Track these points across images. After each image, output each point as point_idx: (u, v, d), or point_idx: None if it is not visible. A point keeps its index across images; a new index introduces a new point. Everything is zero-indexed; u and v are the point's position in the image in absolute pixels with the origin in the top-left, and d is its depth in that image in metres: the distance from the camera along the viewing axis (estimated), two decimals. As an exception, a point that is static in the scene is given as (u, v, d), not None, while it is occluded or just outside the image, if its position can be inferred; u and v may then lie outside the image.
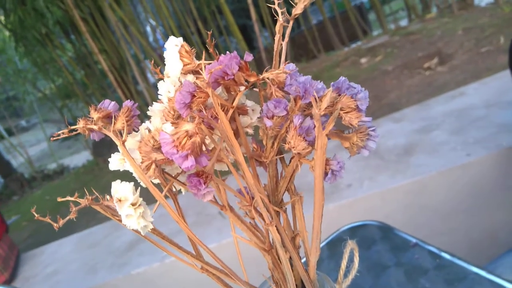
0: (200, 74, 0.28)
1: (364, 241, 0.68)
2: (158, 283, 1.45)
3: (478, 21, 3.35)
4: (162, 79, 0.29)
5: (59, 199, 0.26)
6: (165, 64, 0.29)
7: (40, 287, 1.64)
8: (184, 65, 0.28)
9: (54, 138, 0.26)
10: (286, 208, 0.31)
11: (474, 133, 1.35)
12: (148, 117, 0.29)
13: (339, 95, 0.25)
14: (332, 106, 0.25)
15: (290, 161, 0.29)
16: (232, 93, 0.28)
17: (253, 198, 0.29)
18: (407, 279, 0.57)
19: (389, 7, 5.86)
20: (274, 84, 0.27)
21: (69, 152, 6.52)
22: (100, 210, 0.27)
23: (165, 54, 0.28)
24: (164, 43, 0.29)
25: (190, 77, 0.28)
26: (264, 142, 0.29)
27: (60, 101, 5.29)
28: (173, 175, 0.29)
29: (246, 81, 0.27)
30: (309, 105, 0.27)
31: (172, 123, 0.27)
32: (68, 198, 0.26)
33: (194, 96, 0.25)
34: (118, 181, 0.27)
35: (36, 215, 0.26)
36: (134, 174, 0.27)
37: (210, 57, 0.29)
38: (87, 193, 0.26)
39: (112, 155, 0.28)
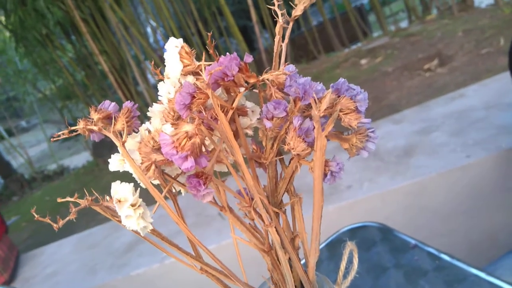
0: (200, 75, 0.28)
1: (363, 242, 0.68)
2: (158, 284, 1.45)
3: (478, 23, 3.36)
4: (162, 80, 0.29)
5: (59, 200, 0.26)
6: (165, 65, 0.29)
7: (40, 288, 1.64)
8: (184, 66, 0.28)
9: (55, 139, 0.26)
10: (285, 209, 0.32)
11: (474, 135, 1.35)
12: (148, 118, 0.29)
13: (339, 96, 0.26)
14: (331, 107, 0.25)
15: (290, 162, 0.29)
16: (232, 94, 0.28)
17: (252, 199, 0.29)
18: (407, 281, 0.58)
19: (389, 9, 5.87)
20: (273, 85, 0.27)
21: (69, 153, 6.52)
22: (100, 211, 0.27)
23: (165, 55, 0.28)
24: (165, 44, 0.29)
25: (190, 78, 0.28)
26: (264, 143, 0.29)
27: (60, 102, 5.30)
28: (173, 176, 0.29)
29: (246, 82, 0.27)
30: (309, 106, 0.27)
31: (172, 124, 0.27)
32: (68, 198, 0.26)
33: (194, 97, 0.25)
34: (118, 182, 0.27)
35: (36, 215, 0.26)
36: (134, 175, 0.27)
37: (210, 58, 0.29)
38: (87, 194, 0.26)
39: (112, 156, 0.29)
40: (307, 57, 4.70)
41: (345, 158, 0.29)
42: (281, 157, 0.30)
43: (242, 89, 0.27)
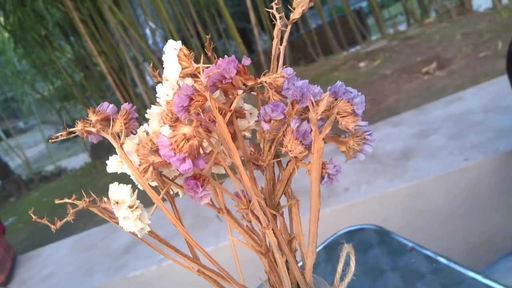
0: (199, 77, 0.28)
1: (361, 245, 0.68)
2: (155, 286, 1.45)
3: (476, 26, 3.37)
4: (160, 82, 0.29)
5: (57, 201, 0.26)
6: (163, 67, 0.29)
7: (37, 290, 1.64)
8: (182, 69, 0.28)
9: (53, 140, 0.26)
10: (282, 212, 0.32)
11: (472, 138, 1.35)
12: (146, 120, 0.29)
13: (336, 99, 0.26)
14: (328, 110, 0.25)
15: (287, 164, 0.29)
16: (230, 96, 0.28)
17: (250, 201, 0.29)
18: (404, 283, 0.58)
19: (388, 12, 5.88)
20: (271, 88, 0.28)
21: (67, 154, 6.50)
22: (97, 213, 0.27)
23: (164, 58, 0.29)
24: (163, 46, 0.29)
25: (189, 81, 0.28)
26: (262, 146, 0.29)
27: (59, 103, 5.29)
28: (171, 178, 0.29)
29: (244, 84, 0.27)
30: (306, 109, 0.27)
31: (170, 126, 0.27)
32: (66, 200, 0.26)
33: (192, 99, 0.25)
34: (116, 183, 0.27)
35: (34, 216, 0.26)
36: (132, 177, 0.27)
37: (209, 60, 0.29)
38: (84, 196, 0.27)
39: (110, 157, 0.29)
40: (305, 59, 4.71)
41: (342, 160, 0.29)
42: (279, 159, 0.30)
43: (240, 92, 0.27)
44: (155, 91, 0.29)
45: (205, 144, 0.27)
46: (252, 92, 0.29)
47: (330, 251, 0.69)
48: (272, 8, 0.29)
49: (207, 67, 0.27)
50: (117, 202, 0.26)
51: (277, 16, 0.29)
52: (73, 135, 0.27)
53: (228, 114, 0.26)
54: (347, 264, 0.36)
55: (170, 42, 0.29)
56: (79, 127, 0.27)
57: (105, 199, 0.27)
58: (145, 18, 4.36)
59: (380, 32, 4.46)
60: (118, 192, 0.26)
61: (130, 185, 0.27)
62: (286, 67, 0.29)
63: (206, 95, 0.24)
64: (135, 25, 4.14)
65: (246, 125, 0.29)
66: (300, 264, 0.32)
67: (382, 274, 0.61)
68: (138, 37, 3.73)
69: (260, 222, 0.29)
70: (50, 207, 3.65)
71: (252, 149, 0.31)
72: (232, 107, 0.27)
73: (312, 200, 0.27)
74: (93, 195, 0.27)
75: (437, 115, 1.65)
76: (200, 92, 0.25)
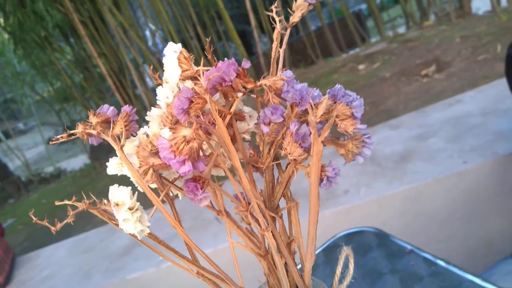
0: (198, 80, 0.28)
1: (360, 247, 0.69)
2: (154, 288, 1.44)
3: (475, 29, 3.38)
4: (160, 84, 0.29)
5: (57, 203, 0.27)
6: (163, 69, 0.29)
7: (35, 291, 1.63)
8: (182, 71, 0.28)
9: (53, 142, 0.26)
10: (282, 214, 0.32)
11: (471, 141, 1.35)
12: (146, 121, 0.29)
13: (335, 102, 0.26)
14: (328, 113, 0.25)
15: (286, 167, 0.29)
16: (230, 99, 0.28)
17: (249, 203, 0.29)
18: (402, 286, 0.58)
19: (387, 14, 5.89)
20: (271, 90, 0.28)
21: (66, 156, 6.50)
22: (97, 214, 0.27)
23: (164, 60, 0.29)
24: (163, 48, 0.29)
25: (189, 83, 0.29)
26: (261, 148, 0.29)
27: (58, 104, 5.29)
28: (170, 180, 0.29)
29: (244, 87, 0.27)
30: (305, 112, 0.27)
31: (170, 128, 0.27)
32: (66, 202, 0.26)
33: (192, 102, 0.25)
34: (116, 185, 0.27)
35: (34, 218, 0.26)
36: (132, 179, 0.27)
37: (208, 63, 0.29)
38: (84, 197, 0.27)
39: (110, 159, 0.29)
40: (305, 61, 4.72)
41: (341, 163, 0.29)
42: (278, 162, 0.30)
43: (240, 94, 0.27)
44: (155, 92, 0.29)
45: (205, 146, 0.27)
46: (251, 95, 0.29)
47: (329, 253, 0.69)
48: (272, 11, 0.29)
49: (207, 70, 0.27)
50: (117, 204, 0.26)
51: (277, 19, 0.29)
52: (74, 137, 0.27)
53: (228, 117, 0.27)
54: (346, 266, 0.36)
55: (170, 44, 0.29)
56: (79, 129, 0.27)
57: (105, 201, 0.27)
58: (145, 19, 4.36)
59: (380, 34, 4.47)
60: (118, 194, 0.26)
61: (130, 187, 0.27)
62: (285, 69, 0.29)
63: (206, 97, 0.24)
64: (135, 27, 4.14)
65: (245, 128, 0.29)
66: (299, 266, 0.32)
67: (381, 276, 0.61)
68: (138, 38, 3.73)
69: (259, 224, 0.29)
70: (49, 209, 3.65)
71: (251, 152, 0.31)
72: (232, 110, 0.27)
73: (311, 202, 0.27)
74: (93, 196, 0.27)
75: (436, 117, 1.66)
76: (200, 95, 0.25)
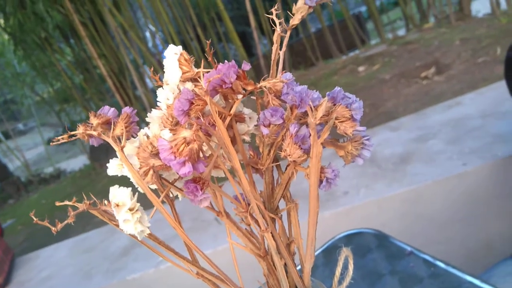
0: (199, 82, 0.28)
1: (359, 249, 0.69)
2: (153, 289, 1.44)
3: (475, 32, 3.38)
4: (161, 86, 0.29)
5: (57, 204, 0.27)
6: (164, 71, 0.29)
7: (34, 292, 1.63)
8: (183, 73, 0.28)
9: (54, 143, 0.27)
10: (281, 215, 0.32)
11: (470, 143, 1.35)
12: (146, 122, 0.29)
13: (334, 104, 0.26)
14: (327, 115, 0.26)
15: (286, 168, 0.29)
16: (230, 101, 0.28)
17: (249, 204, 0.30)
18: (402, 287, 0.58)
19: (387, 17, 5.91)
20: (271, 92, 0.28)
21: (66, 156, 6.50)
22: (97, 215, 0.28)
23: (164, 62, 0.29)
24: (163, 49, 0.29)
25: (189, 85, 0.29)
26: (261, 150, 0.30)
27: (58, 105, 5.29)
28: (170, 181, 0.29)
29: (244, 89, 0.27)
30: (305, 114, 0.27)
31: (170, 129, 0.27)
32: (66, 202, 0.26)
33: (192, 103, 0.25)
34: (116, 186, 0.27)
35: (35, 218, 0.26)
36: (132, 180, 0.27)
37: (209, 65, 0.29)
38: (85, 198, 0.27)
39: (110, 160, 0.29)
40: (305, 63, 4.72)
41: (341, 165, 0.29)
42: (278, 163, 0.31)
43: (240, 96, 0.27)
44: (155, 93, 0.29)
45: (205, 147, 0.27)
46: (251, 97, 0.29)
47: (329, 254, 0.69)
48: (272, 13, 0.29)
49: (207, 72, 0.27)
50: (117, 205, 0.26)
51: (277, 21, 0.29)
52: (74, 138, 0.27)
53: (228, 118, 0.27)
54: (345, 267, 0.36)
55: (171, 46, 0.29)
56: (80, 130, 0.27)
57: (105, 201, 0.28)
58: (145, 21, 4.36)
59: (379, 36, 4.47)
60: (118, 194, 0.26)
61: (130, 188, 0.27)
62: (285, 71, 0.29)
63: (206, 99, 0.24)
64: (135, 28, 4.14)
65: (245, 129, 0.29)
66: (298, 267, 0.32)
67: (380, 278, 0.61)
68: (138, 40, 3.73)
69: (259, 225, 0.29)
70: (49, 209, 3.65)
71: (251, 153, 0.31)
72: (232, 112, 0.27)
73: (310, 204, 0.27)
74: (93, 197, 0.27)
75: (435, 120, 1.66)
76: (200, 97, 0.25)
